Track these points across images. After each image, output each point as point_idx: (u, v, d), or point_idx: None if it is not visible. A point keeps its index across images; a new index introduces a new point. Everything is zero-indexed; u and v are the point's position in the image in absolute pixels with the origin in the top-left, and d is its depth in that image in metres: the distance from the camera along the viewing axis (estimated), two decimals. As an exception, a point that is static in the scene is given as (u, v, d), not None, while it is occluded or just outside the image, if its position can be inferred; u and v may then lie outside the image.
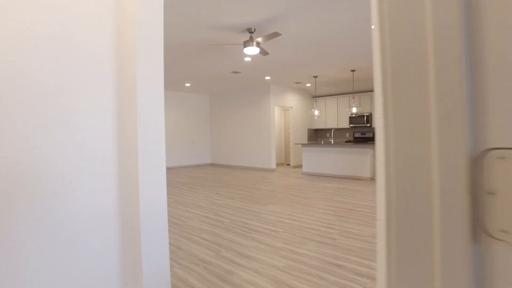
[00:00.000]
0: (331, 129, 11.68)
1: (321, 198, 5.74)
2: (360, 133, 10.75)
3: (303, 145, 9.18)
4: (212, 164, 12.57)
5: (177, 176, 9.15)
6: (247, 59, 6.86)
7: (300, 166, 11.32)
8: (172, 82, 9.60)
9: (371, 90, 10.40)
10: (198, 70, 7.98)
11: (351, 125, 10.71)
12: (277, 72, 8.35)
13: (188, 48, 5.92)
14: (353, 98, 8.22)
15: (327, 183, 7.48)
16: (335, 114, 11.25)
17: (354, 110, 8.08)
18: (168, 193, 6.52)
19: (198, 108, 12.30)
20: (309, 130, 11.87)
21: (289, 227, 4.02)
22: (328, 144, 8.53)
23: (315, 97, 11.96)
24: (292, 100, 11.15)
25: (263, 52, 5.46)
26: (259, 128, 10.72)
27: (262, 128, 10.62)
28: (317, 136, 12.23)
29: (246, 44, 4.88)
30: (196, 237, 3.68)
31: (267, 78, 9.14)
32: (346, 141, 10.45)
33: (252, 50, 4.97)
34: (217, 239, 3.58)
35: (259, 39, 4.82)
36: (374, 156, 8.02)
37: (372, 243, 3.36)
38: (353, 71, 8.12)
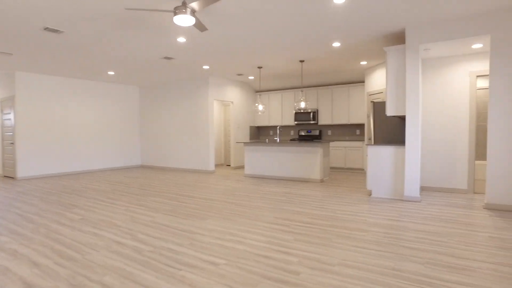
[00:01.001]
0: (276, 126, 10.89)
1: (269, 208, 4.79)
2: (306, 130, 10.10)
3: (245, 144, 8.21)
4: (142, 166, 11.04)
5: (94, 182, 7.58)
6: (181, 39, 5.66)
7: (241, 167, 10.34)
8: (89, 69, 7.98)
9: (319, 85, 9.79)
10: (121, 54, 6.57)
11: (296, 122, 10.01)
12: (217, 60, 7.25)
13: (101, 22, 4.57)
14: (301, 91, 7.47)
15: (273, 187, 6.58)
16: (279, 111, 10.46)
17: (303, 105, 7.33)
18: (74, 206, 5.08)
19: (126, 102, 10.68)
20: (251, 127, 10.95)
21: (234, 254, 2.98)
22: (273, 142, 7.66)
23: (258, 91, 11.06)
24: (234, 94, 10.13)
25: (200, 26, 4.33)
26: (196, 124, 9.52)
27: (199, 125, 9.44)
28: (259, 134, 11.36)
29: (177, 11, 3.72)
30: (95, 284, 2.46)
31: (205, 67, 7.99)
32: (291, 139, 9.72)
33: (185, 20, 3.82)
34: (127, 287, 2.40)
35: (194, 5, 3.69)
36: (323, 155, 7.33)
37: (349, 277, 2.45)
38: (302, 61, 7.34)
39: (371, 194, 5.63)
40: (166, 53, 6.64)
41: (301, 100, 7.31)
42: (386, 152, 5.39)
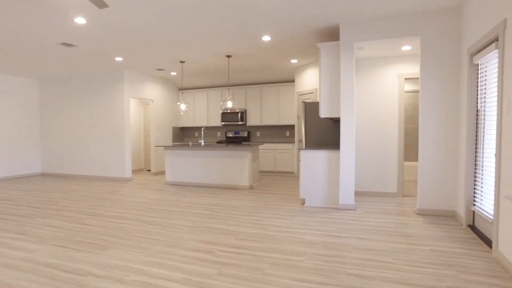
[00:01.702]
0: (201, 127, 10.07)
1: (190, 227, 4.02)
2: (233, 132, 9.48)
3: (165, 147, 7.27)
4: (43, 175, 9.34)
5: (-31, 197, 5.99)
6: (80, 20, 4.57)
7: (163, 173, 9.33)
8: (-37, 54, 6.31)
9: (248, 84, 9.22)
10: (9, 37, 5.18)
11: (224, 123, 9.33)
12: (131, 51, 6.21)
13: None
14: (228, 90, 6.80)
15: (197, 197, 5.80)
16: (205, 110, 9.67)
17: (229, 104, 6.66)
18: None
19: (22, 97, 8.90)
20: (174, 128, 9.97)
21: (135, 308, 2.17)
22: (197, 146, 6.87)
23: (182, 89, 10.13)
24: (154, 92, 9.07)
25: (98, 2, 3.38)
26: (110, 125, 8.27)
27: (114, 126, 8.21)
28: (184, 135, 10.44)
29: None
30: None
31: (118, 59, 6.87)
32: (217, 142, 9.01)
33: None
34: None
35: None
36: (252, 159, 6.76)
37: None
38: (229, 56, 6.67)
39: (304, 203, 5.19)
40: (64, 38, 5.42)
41: (228, 99, 6.65)
42: (320, 157, 4.99)
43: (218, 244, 3.39)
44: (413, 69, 5.57)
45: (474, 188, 3.87)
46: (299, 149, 5.07)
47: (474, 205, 3.85)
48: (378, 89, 5.74)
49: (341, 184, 4.82)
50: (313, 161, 5.03)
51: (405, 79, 5.61)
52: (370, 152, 5.81)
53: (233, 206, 5.07)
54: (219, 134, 9.87)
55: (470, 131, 3.87)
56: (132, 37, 5.38)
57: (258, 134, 9.35)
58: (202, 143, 7.26)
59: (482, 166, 3.69)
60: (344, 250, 3.19)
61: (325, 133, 6.12)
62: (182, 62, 7.21)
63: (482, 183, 3.67)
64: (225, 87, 9.34)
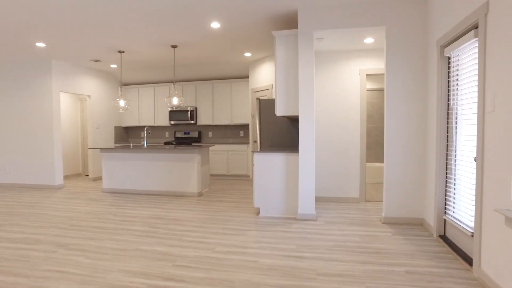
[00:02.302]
0: (147, 127, 9.11)
1: (118, 252, 3.23)
2: (183, 132, 8.66)
3: (102, 150, 6.31)
4: (-48, 181, 7.87)
5: None
6: (-27, -9, 3.58)
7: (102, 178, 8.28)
8: None
9: (198, 79, 8.44)
10: None
11: (172, 122, 8.47)
12: (54, 35, 5.21)
13: None
14: (173, 85, 6.01)
15: (136, 208, 4.97)
16: (151, 108, 8.75)
17: (175, 101, 5.88)
18: None
19: None
20: (117, 128, 8.93)
21: None
22: (138, 148, 6.01)
23: (125, 84, 9.10)
24: (91, 86, 7.99)
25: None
26: (35, 124, 7.09)
27: (40, 124, 7.05)
28: (128, 136, 9.42)
29: None
30: None
31: (40, 45, 5.80)
32: (165, 143, 8.15)
33: None
34: None
35: None
36: (202, 163, 6.04)
37: None
38: (174, 47, 5.88)
39: (259, 213, 4.58)
40: (-39, 16, 4.34)
41: (174, 95, 5.86)
42: (276, 160, 4.41)
43: (149, 275, 2.66)
44: (375, 65, 5.18)
45: (446, 195, 3.48)
46: (253, 151, 4.45)
47: (445, 213, 3.46)
48: (339, 86, 5.29)
49: (300, 191, 4.27)
50: (269, 166, 4.43)
51: (367, 75, 5.21)
52: (331, 154, 5.34)
53: (177, 219, 4.33)
54: (167, 134, 8.99)
55: (440, 131, 3.47)
56: (53, 17, 4.42)
57: (210, 134, 8.62)
58: (145, 145, 6.40)
59: (455, 170, 3.30)
60: (306, 277, 2.60)
61: (282, 134, 5.56)
62: (120, 52, 6.29)
63: (455, 189, 3.29)
64: (175, 83, 8.49)
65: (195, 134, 8.56)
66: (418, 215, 4.03)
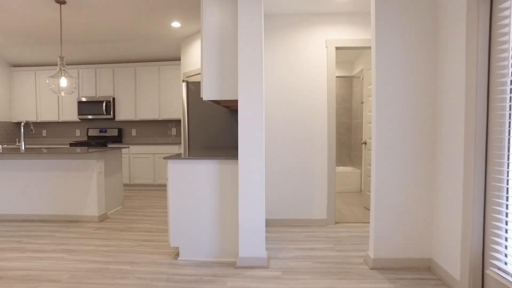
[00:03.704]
0: (47, 122, 6.98)
1: None
2: (99, 129, 6.69)
3: (-49, 155, 4.23)
4: None
5: None
6: None
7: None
8: None
9: (116, 61, 6.50)
10: None
11: (82, 117, 6.46)
12: None
13: None
14: (60, 59, 4.07)
15: (-20, 251, 3.05)
16: (54, 98, 6.64)
17: (64, 83, 3.99)
18: None
19: None
20: (5, 124, 6.70)
21: None
22: (12, 153, 4.04)
23: (16, 66, 6.87)
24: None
25: None
26: None
27: None
28: (25, 135, 7.19)
29: None
30: None
31: None
32: (72, 144, 6.13)
33: None
34: None
35: None
36: (107, 172, 4.23)
37: None
38: (61, 3, 3.98)
39: (178, 255, 2.90)
40: None
41: (61, 75, 3.95)
42: (205, 171, 2.76)
43: None
44: (348, 34, 3.74)
45: (485, 233, 2.07)
46: (165, 158, 2.77)
47: (483, 261, 2.05)
48: (298, 63, 3.77)
49: (241, 221, 2.66)
50: (192, 180, 2.77)
51: (337, 48, 3.76)
52: (287, 160, 3.82)
53: (41, 278, 2.51)
54: (78, 132, 6.93)
55: (475, 130, 2.05)
56: None
57: (133, 132, 6.74)
58: (22, 148, 4.40)
59: (508, 193, 1.89)
60: None
61: (222, 131, 3.97)
62: (-17, 10, 4.25)
63: (507, 224, 1.88)
64: (85, 65, 6.47)
65: (114, 132, 6.63)
66: (424, 255, 2.61)
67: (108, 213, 4.31)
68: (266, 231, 3.58)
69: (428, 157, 2.57)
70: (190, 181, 2.77)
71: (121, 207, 4.71)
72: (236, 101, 2.96)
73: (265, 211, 3.86)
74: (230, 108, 3.83)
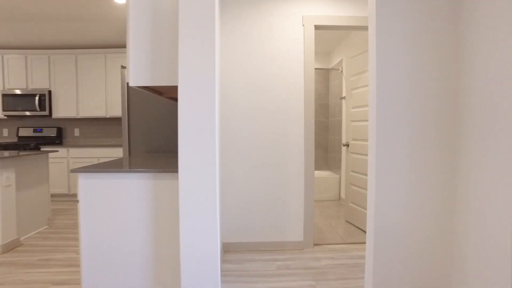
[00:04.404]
0: (-31, 120, 5.81)
1: None
2: (33, 129, 5.61)
3: None
4: None
5: None
6: None
7: None
8: None
9: (52, 46, 5.43)
10: None
11: (8, 113, 5.35)
12: None
13: None
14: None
15: None
16: (-25, 91, 5.49)
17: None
18: None
19: None
20: None
21: None
22: None
23: None
24: None
25: None
26: None
27: None
28: None
29: None
30: None
31: None
32: (-4, 146, 5.03)
33: None
34: None
35: None
36: (15, 186, 3.26)
37: None
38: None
39: (96, 310, 2.03)
40: None
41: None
42: (130, 190, 1.91)
43: None
44: (331, 10, 2.99)
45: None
46: (72, 171, 1.90)
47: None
48: (268, 44, 2.99)
49: (183, 257, 1.82)
50: (114, 202, 1.91)
51: (316, 27, 3.01)
52: (253, 167, 3.02)
53: None
54: (6, 132, 5.79)
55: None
56: None
57: (76, 132, 5.71)
58: None
59: None
60: None
61: (171, 131, 3.12)
62: None
63: None
64: (12, 49, 5.37)
65: (52, 132, 5.57)
66: (440, 303, 1.90)
67: (22, 238, 3.33)
68: (226, 261, 2.77)
69: (446, 165, 1.85)
70: (110, 203, 1.91)
71: (46, 226, 3.74)
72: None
73: (225, 232, 3.04)
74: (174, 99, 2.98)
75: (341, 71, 5.00)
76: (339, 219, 4.04)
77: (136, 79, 1.89)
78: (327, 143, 5.81)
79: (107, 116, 5.35)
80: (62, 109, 5.37)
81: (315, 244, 3.12)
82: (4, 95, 5.25)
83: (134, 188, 1.89)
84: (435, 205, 1.86)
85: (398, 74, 1.82)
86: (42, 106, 5.27)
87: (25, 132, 5.59)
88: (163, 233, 1.93)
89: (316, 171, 5.58)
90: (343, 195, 4.95)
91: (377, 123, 1.82)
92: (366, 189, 3.46)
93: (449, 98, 1.83)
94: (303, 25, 2.96)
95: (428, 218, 1.86)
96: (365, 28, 2.99)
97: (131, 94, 3.22)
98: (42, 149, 5.08)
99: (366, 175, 3.46)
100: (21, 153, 3.30)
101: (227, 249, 3.02)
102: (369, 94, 1.90)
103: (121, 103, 3.93)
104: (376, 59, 1.81)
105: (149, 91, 2.18)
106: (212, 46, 1.75)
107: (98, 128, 5.69)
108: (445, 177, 1.85)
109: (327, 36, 4.78)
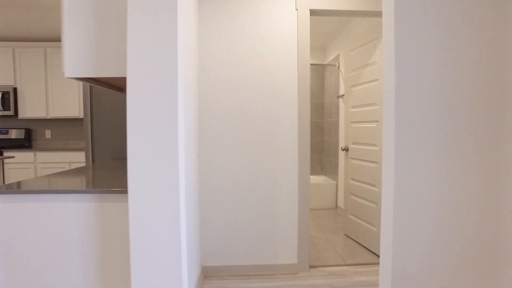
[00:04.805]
0: None
1: None
2: (-2, 131, 5.08)
3: None
4: None
5: None
6: None
7: None
8: None
9: (17, 38, 4.89)
10: None
11: (-30, 114, 4.82)
12: None
13: None
14: None
15: None
16: None
17: None
18: None
19: None
20: None
21: None
22: None
23: None
24: None
25: None
26: None
27: None
28: None
29: None
30: None
31: None
32: (-46, 150, 4.49)
33: None
34: None
35: None
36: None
37: None
38: None
39: None
40: None
41: None
42: (68, 216, 1.43)
43: None
44: (327, -8, 2.54)
45: None
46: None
47: None
48: (256, 35, 2.52)
49: (142, 312, 1.36)
50: (45, 234, 1.43)
51: (312, 12, 2.55)
52: (236, 179, 2.56)
53: None
54: (-31, 134, 5.25)
55: None
56: None
57: (47, 134, 5.19)
58: None
59: None
60: None
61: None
62: None
63: None
64: (-23, 45, 4.82)
65: (19, 134, 5.04)
66: None
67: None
68: (206, 282, 2.31)
69: (487, 176, 1.41)
70: (41, 236, 1.43)
71: None
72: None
73: (205, 254, 2.57)
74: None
75: (338, 67, 4.56)
76: (337, 232, 3.59)
77: (74, 68, 1.42)
78: (322, 146, 5.37)
79: (81, 117, 4.84)
80: (29, 109, 4.84)
81: (311, 266, 2.67)
82: (-38, 93, 4.71)
83: (70, 214, 1.42)
84: (477, 220, 1.42)
85: (425, 66, 1.37)
86: (6, 105, 4.73)
87: (-11, 134, 5.04)
88: (113, 271, 1.46)
89: (311, 176, 5.14)
90: (340, 204, 4.51)
91: (396, 126, 1.37)
92: (368, 200, 3.01)
93: (491, 94, 1.39)
94: (297, 9, 2.50)
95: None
96: (371, 13, 2.54)
97: (94, 93, 2.74)
98: (5, 153, 4.55)
99: (368, 184, 3.01)
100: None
101: (207, 274, 2.56)
102: (384, 90, 1.45)
103: (83, 102, 3.41)
104: (395, 49, 1.36)
105: (100, 85, 1.70)
106: (173, 23, 1.28)
107: (72, 130, 5.18)
108: (486, 181, 1.41)
109: (322, 27, 4.33)
